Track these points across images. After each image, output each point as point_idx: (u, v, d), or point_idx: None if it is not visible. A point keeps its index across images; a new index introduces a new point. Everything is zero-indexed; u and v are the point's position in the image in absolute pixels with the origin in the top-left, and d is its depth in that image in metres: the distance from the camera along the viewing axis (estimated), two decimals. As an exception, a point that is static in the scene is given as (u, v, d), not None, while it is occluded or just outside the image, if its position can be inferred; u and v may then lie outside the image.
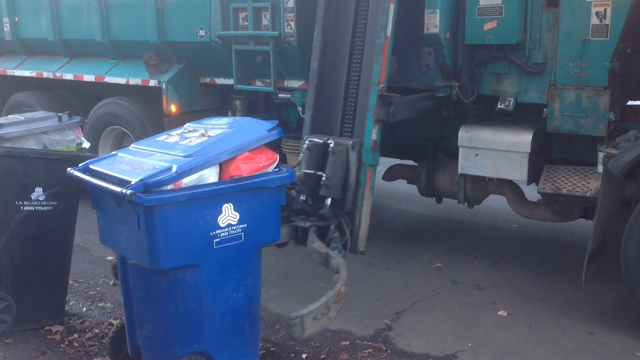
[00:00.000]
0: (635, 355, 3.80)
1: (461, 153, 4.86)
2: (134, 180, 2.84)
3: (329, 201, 4.15)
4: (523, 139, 4.56)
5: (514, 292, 4.72)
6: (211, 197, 3.01)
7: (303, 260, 4.80)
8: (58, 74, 6.88)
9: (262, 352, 3.84)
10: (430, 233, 6.19)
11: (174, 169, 2.92)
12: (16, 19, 7.21)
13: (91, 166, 3.26)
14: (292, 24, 5.23)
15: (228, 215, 3.09)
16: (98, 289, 4.84)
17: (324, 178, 4.16)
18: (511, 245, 5.81)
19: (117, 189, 2.86)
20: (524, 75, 4.57)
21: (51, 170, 4.01)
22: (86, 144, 4.67)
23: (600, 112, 4.21)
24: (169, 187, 2.92)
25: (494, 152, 4.69)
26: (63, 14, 6.76)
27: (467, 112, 4.98)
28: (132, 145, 3.46)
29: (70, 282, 4.57)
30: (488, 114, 4.92)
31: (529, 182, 4.69)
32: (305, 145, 4.34)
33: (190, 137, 3.30)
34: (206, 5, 5.68)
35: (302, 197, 4.10)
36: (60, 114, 4.57)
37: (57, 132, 4.50)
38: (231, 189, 3.06)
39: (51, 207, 4.04)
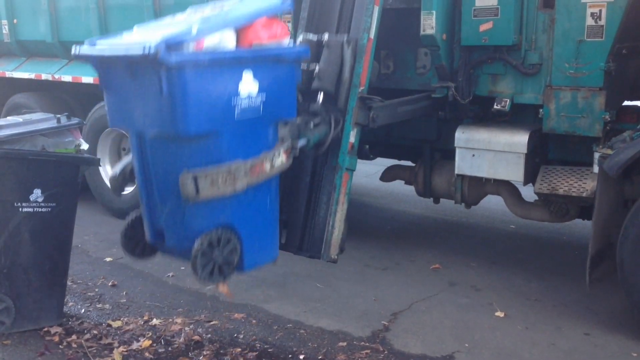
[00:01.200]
0: (632, 355, 3.81)
1: (458, 154, 4.88)
2: (153, 43, 2.78)
3: (320, 96, 4.08)
4: (519, 140, 4.58)
5: (511, 293, 4.73)
6: (232, 63, 3.04)
7: (301, 262, 4.82)
8: (57, 76, 6.89)
9: (258, 352, 3.86)
10: (427, 234, 6.21)
11: (194, 29, 2.91)
12: (15, 21, 7.22)
13: (99, 41, 3.20)
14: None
15: (248, 83, 3.12)
16: (96, 290, 4.85)
17: (316, 70, 4.08)
18: (508, 246, 5.83)
19: (137, 52, 2.80)
20: (519, 76, 4.59)
21: (50, 172, 4.02)
22: (85, 146, 4.68)
23: (595, 113, 4.22)
24: (191, 49, 2.90)
25: (491, 152, 4.71)
26: (61, 16, 6.78)
27: (463, 113, 4.99)
28: (136, 26, 3.40)
29: (69, 283, 4.59)
30: (484, 115, 4.93)
31: (525, 183, 4.71)
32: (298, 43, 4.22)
33: (202, 10, 3.33)
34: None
35: None
36: (59, 115, 4.57)
37: (55, 134, 4.51)
38: (251, 56, 3.11)
39: (50, 209, 4.05)
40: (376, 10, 4.31)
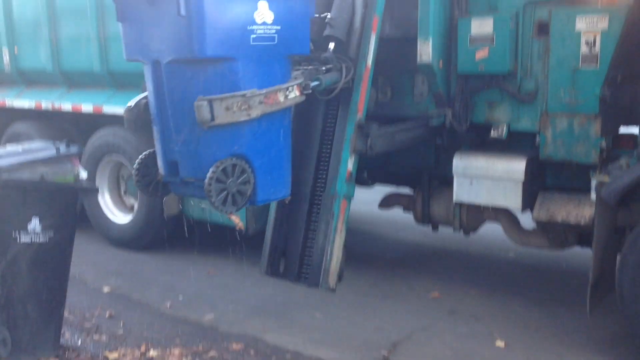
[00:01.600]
0: (633, 384, 3.78)
1: (456, 181, 4.88)
2: None
3: (332, 45, 4.13)
4: (517, 167, 4.59)
5: (511, 322, 4.69)
6: None
7: (300, 290, 4.80)
8: (57, 104, 6.92)
9: (257, 383, 3.82)
10: (426, 261, 6.19)
11: None
12: (15, 49, 7.28)
13: None
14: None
15: (263, 12, 3.26)
16: (93, 321, 4.82)
17: (328, 17, 4.12)
18: (508, 273, 5.80)
19: None
20: (516, 103, 4.62)
21: (48, 201, 4.02)
22: (83, 174, 4.68)
23: (592, 140, 4.24)
24: None
25: (488, 179, 4.71)
26: (62, 45, 6.84)
27: (461, 140, 5.01)
28: None
29: (66, 314, 4.54)
30: (482, 142, 4.95)
31: (523, 210, 4.70)
32: None
33: None
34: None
35: None
36: (58, 144, 4.59)
37: (54, 163, 4.51)
38: None
39: (48, 238, 4.04)
40: (373, 37, 4.36)
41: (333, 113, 4.49)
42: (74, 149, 4.62)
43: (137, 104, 4.00)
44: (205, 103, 3.22)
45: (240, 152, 3.36)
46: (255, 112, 3.38)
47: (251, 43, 3.27)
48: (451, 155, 4.95)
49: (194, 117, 3.22)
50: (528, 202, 4.68)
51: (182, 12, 3.02)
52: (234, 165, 3.41)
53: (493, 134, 4.69)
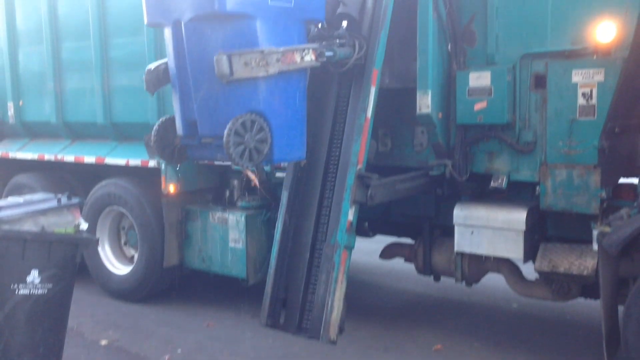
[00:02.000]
0: None
1: (457, 231, 4.87)
2: None
3: (345, 23, 4.25)
4: (517, 217, 4.59)
5: (515, 374, 4.60)
6: None
7: (300, 342, 4.73)
8: (59, 156, 6.98)
9: None
10: (428, 313, 6.11)
11: None
12: (20, 102, 7.39)
13: None
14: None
15: None
16: (90, 374, 4.73)
17: None
18: (511, 325, 5.72)
19: None
20: (515, 154, 4.65)
21: (48, 253, 4.02)
22: (84, 225, 4.68)
23: (591, 190, 4.25)
24: None
25: (489, 229, 4.71)
26: (67, 98, 6.94)
27: (461, 190, 5.03)
28: None
29: (62, 367, 4.47)
30: (482, 192, 4.96)
31: (525, 260, 4.68)
32: None
33: None
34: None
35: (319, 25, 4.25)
36: (59, 195, 4.60)
37: (55, 214, 4.52)
38: None
39: (46, 291, 4.01)
40: (372, 90, 4.43)
41: (334, 162, 4.54)
42: (75, 200, 4.64)
43: (156, 67, 4.22)
44: (224, 57, 3.38)
45: (258, 109, 3.53)
46: (273, 69, 3.55)
47: (269, 3, 3.48)
48: (452, 205, 4.96)
49: (213, 73, 3.38)
50: (530, 253, 4.66)
51: None
52: (252, 122, 3.57)
53: (493, 184, 4.71)
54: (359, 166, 4.34)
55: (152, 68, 4.25)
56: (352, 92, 4.58)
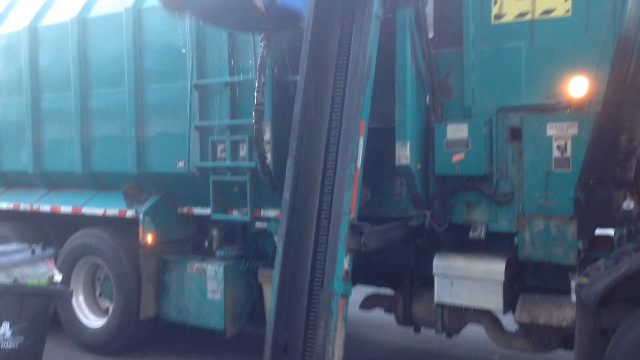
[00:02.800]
0: None
1: (437, 281, 4.86)
2: None
3: None
4: (497, 268, 4.60)
5: None
6: None
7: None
8: (35, 206, 6.89)
9: None
10: (410, 364, 6.03)
11: None
12: (-3, 153, 7.34)
13: None
14: (269, 155, 5.39)
15: None
16: None
17: None
18: (493, 376, 5.66)
19: None
20: (493, 205, 4.69)
21: (20, 305, 3.93)
22: (58, 277, 4.61)
23: (569, 241, 4.29)
24: None
25: (469, 280, 4.70)
26: (45, 147, 6.91)
27: (440, 241, 5.04)
28: None
29: None
30: (461, 242, 4.98)
31: (505, 311, 4.67)
32: None
33: None
34: (185, 138, 5.86)
35: None
36: (34, 246, 4.54)
37: (29, 265, 4.45)
38: None
39: (17, 344, 3.92)
40: (361, 140, 4.52)
41: (326, 209, 4.60)
42: (50, 251, 4.58)
43: None
44: None
45: None
46: None
47: None
48: (431, 255, 4.96)
49: None
50: (510, 304, 4.65)
51: None
52: None
53: (472, 234, 4.73)
54: (352, 215, 4.44)
55: None
56: (340, 142, 4.66)
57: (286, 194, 4.74)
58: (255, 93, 5.13)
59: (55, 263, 4.72)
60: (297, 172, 4.79)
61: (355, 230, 4.42)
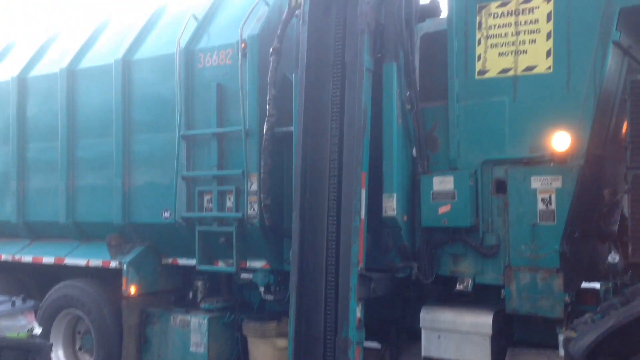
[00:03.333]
0: None
1: (424, 335, 4.81)
2: None
3: None
4: (484, 321, 4.56)
5: None
6: None
7: None
8: (17, 257, 6.79)
9: None
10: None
11: None
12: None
13: None
14: (255, 206, 5.39)
15: None
16: None
17: None
18: None
19: None
20: (479, 257, 4.69)
21: (-4, 359, 3.81)
22: (37, 330, 4.51)
23: (555, 294, 4.28)
24: None
25: (457, 334, 4.66)
26: (29, 197, 6.85)
27: (427, 293, 5.01)
28: None
29: None
30: (448, 294, 4.94)
31: (492, 367, 4.61)
32: None
33: None
34: (172, 188, 5.85)
35: None
36: (14, 298, 4.45)
37: (8, 318, 4.37)
38: None
39: (-9, 401, 3.78)
40: (363, 193, 4.60)
41: (331, 256, 4.67)
42: (30, 303, 4.50)
43: None
44: None
45: None
46: None
47: None
48: (418, 308, 4.92)
49: None
50: (498, 358, 4.59)
51: None
52: None
53: (459, 287, 4.71)
54: (360, 265, 4.55)
55: None
56: (342, 194, 4.69)
57: (295, 246, 4.78)
58: (267, 105, 5.23)
59: (36, 315, 4.62)
60: (303, 224, 4.81)
61: (364, 279, 4.59)
